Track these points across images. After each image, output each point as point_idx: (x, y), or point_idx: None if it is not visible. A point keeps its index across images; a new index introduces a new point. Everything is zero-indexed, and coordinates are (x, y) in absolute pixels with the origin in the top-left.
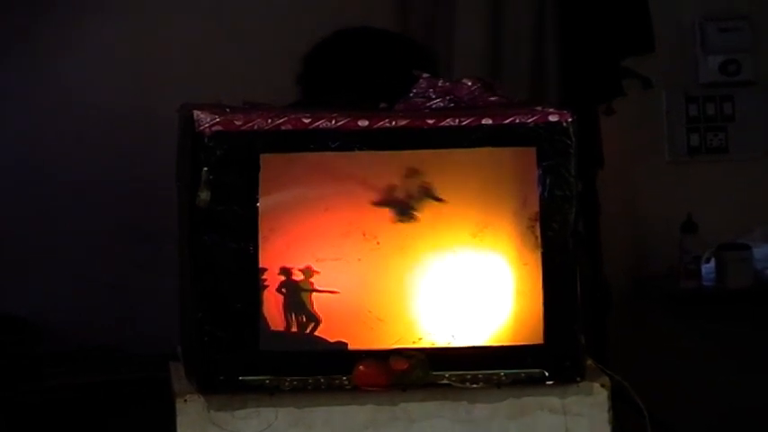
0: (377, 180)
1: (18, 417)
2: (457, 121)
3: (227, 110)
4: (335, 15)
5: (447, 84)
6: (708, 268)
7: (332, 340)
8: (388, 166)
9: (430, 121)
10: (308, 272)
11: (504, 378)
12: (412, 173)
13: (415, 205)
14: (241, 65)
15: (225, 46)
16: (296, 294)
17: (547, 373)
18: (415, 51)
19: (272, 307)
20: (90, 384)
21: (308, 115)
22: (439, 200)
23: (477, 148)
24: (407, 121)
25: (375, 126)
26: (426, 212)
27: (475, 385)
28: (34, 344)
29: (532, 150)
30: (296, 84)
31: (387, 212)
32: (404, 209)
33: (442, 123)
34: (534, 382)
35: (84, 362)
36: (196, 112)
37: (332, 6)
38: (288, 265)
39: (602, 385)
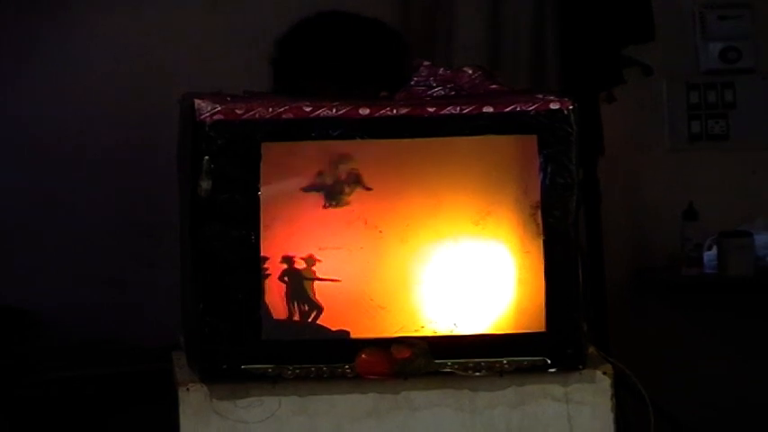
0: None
1: (19, 410)
2: (458, 109)
3: (228, 99)
4: (338, 3)
5: (448, 72)
6: (709, 256)
7: (334, 329)
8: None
9: (431, 110)
10: (310, 260)
11: (506, 366)
12: (343, 159)
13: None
14: (242, 57)
15: (226, 38)
16: (298, 283)
17: (549, 361)
18: (386, 35)
19: (275, 296)
20: (92, 377)
21: (308, 104)
22: (368, 188)
23: (478, 136)
24: (408, 109)
25: (376, 114)
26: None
27: (477, 373)
28: (35, 337)
29: (533, 138)
30: (270, 66)
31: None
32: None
33: (443, 112)
34: (536, 370)
35: (85, 355)
36: (197, 101)
37: None
38: (290, 254)
39: (605, 373)
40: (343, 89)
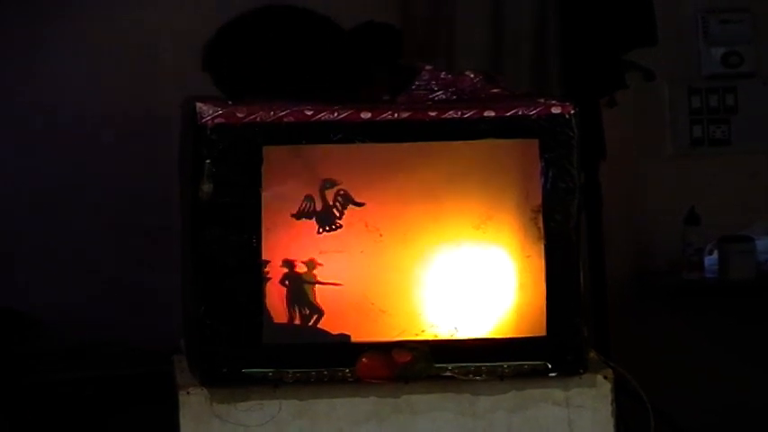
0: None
1: (19, 411)
2: (459, 113)
3: (230, 102)
4: (336, 10)
5: (450, 76)
6: (710, 260)
7: (335, 333)
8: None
9: (432, 114)
10: (311, 264)
11: (507, 370)
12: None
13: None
14: None
15: None
16: (299, 286)
17: (550, 365)
18: (326, 30)
19: (275, 299)
20: (92, 379)
21: (310, 107)
22: (359, 204)
23: (479, 141)
24: (410, 113)
25: (377, 118)
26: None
27: (478, 377)
28: (35, 339)
29: (535, 142)
30: (203, 71)
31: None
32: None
33: (445, 116)
34: (537, 375)
35: (86, 357)
36: (198, 105)
37: (333, 2)
38: (291, 258)
39: (605, 377)
40: (282, 92)
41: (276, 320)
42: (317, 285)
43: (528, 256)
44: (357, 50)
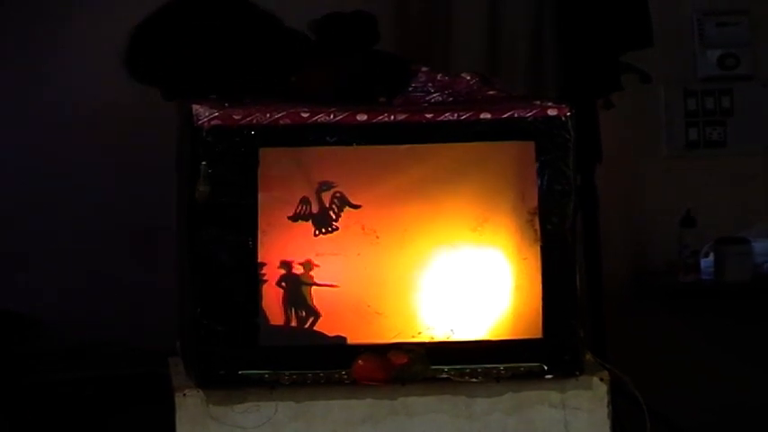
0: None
1: (19, 411)
2: (456, 115)
3: (226, 104)
4: (334, 8)
5: (446, 78)
6: (707, 262)
7: (331, 335)
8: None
9: (428, 116)
10: (307, 266)
11: (503, 372)
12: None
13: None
14: None
15: None
16: (296, 288)
17: (546, 367)
18: (254, 19)
19: (272, 301)
20: (92, 379)
21: (306, 109)
22: (355, 206)
23: (475, 143)
24: (406, 115)
25: (373, 120)
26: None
27: (474, 379)
28: (35, 339)
29: (531, 145)
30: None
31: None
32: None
33: (441, 118)
34: (533, 376)
35: (86, 357)
36: (195, 107)
37: (328, 3)
38: (288, 259)
39: (602, 379)
40: (207, 82)
41: (273, 322)
42: (313, 287)
43: (524, 258)
44: (289, 39)
